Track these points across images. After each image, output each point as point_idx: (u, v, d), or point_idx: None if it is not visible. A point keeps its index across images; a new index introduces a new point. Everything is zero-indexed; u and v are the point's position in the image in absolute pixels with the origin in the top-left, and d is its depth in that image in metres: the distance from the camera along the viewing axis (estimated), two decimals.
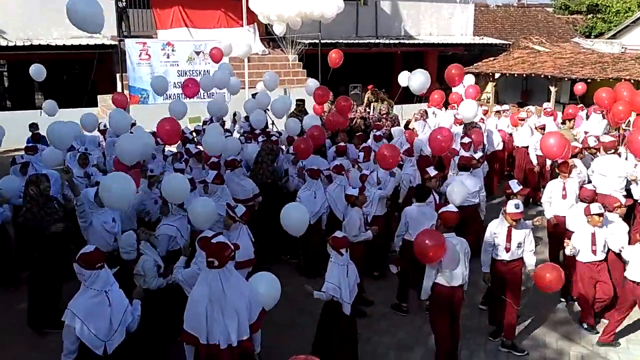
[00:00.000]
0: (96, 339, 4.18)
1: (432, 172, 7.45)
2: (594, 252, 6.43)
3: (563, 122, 11.35)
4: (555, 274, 5.43)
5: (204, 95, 13.61)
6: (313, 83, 12.25)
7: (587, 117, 12.22)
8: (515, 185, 6.67)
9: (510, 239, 6.06)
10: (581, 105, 13.51)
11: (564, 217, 7.43)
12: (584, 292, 6.57)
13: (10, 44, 15.53)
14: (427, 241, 5.32)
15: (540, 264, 5.72)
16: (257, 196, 8.07)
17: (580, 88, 14.28)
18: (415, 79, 10.37)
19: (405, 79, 12.10)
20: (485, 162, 9.27)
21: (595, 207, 6.44)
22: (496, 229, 6.16)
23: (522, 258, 6.18)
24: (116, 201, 5.64)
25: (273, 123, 12.67)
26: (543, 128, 10.63)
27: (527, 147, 11.21)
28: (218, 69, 12.05)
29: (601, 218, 6.42)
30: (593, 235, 6.45)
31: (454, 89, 13.82)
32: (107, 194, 5.58)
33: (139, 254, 5.47)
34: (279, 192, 8.65)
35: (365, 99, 16.08)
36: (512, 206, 5.99)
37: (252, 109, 10.79)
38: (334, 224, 7.39)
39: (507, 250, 6.09)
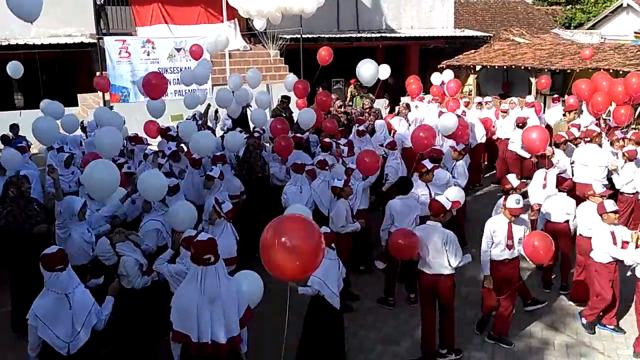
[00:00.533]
0: (58, 340, 4.20)
1: (428, 165, 7.43)
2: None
3: (564, 114, 11.37)
4: (544, 243, 5.42)
5: (184, 92, 13.51)
6: (292, 78, 12.21)
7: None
8: (514, 180, 6.48)
9: (512, 236, 5.92)
10: (557, 95, 13.60)
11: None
12: (604, 294, 6.23)
13: None
14: (400, 241, 5.59)
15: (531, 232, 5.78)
16: (243, 193, 8.05)
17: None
18: (364, 69, 9.90)
19: (383, 72, 12.21)
20: (467, 155, 9.28)
21: (610, 204, 6.12)
22: (495, 227, 5.98)
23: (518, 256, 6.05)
24: (100, 189, 5.61)
25: None
26: (524, 124, 10.64)
27: (509, 139, 11.30)
28: (197, 65, 11.96)
29: (617, 215, 6.11)
30: (612, 234, 6.10)
31: (434, 83, 13.91)
32: (90, 182, 5.54)
33: (119, 256, 5.42)
34: (267, 187, 8.61)
35: (348, 93, 16.09)
36: (512, 201, 5.86)
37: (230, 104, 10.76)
38: (319, 220, 7.37)
39: (510, 247, 5.95)
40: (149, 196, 6.16)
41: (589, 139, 8.81)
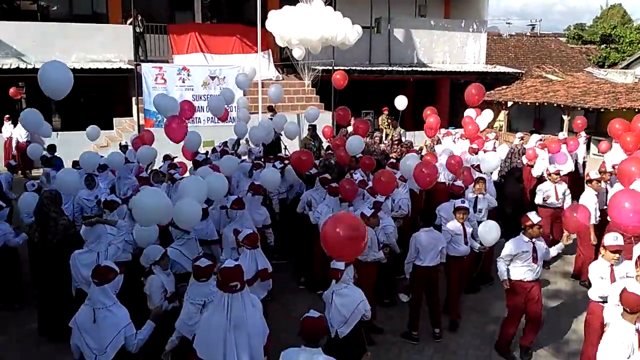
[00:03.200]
0: (87, 349, 4.37)
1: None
2: None
3: None
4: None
5: (216, 120, 13.77)
6: (313, 110, 12.34)
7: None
8: (534, 217, 6.11)
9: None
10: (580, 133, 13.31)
11: None
12: None
13: (29, 67, 15.82)
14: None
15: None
16: (268, 227, 7.87)
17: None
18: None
19: (400, 103, 13.40)
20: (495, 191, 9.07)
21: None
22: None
23: None
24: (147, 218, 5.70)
25: (286, 148, 12.78)
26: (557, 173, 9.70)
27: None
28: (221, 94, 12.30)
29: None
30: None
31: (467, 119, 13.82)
32: (140, 210, 5.60)
33: (151, 271, 5.48)
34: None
35: (380, 121, 16.21)
36: (610, 238, 5.65)
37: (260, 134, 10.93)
38: None
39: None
40: (181, 223, 6.14)
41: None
